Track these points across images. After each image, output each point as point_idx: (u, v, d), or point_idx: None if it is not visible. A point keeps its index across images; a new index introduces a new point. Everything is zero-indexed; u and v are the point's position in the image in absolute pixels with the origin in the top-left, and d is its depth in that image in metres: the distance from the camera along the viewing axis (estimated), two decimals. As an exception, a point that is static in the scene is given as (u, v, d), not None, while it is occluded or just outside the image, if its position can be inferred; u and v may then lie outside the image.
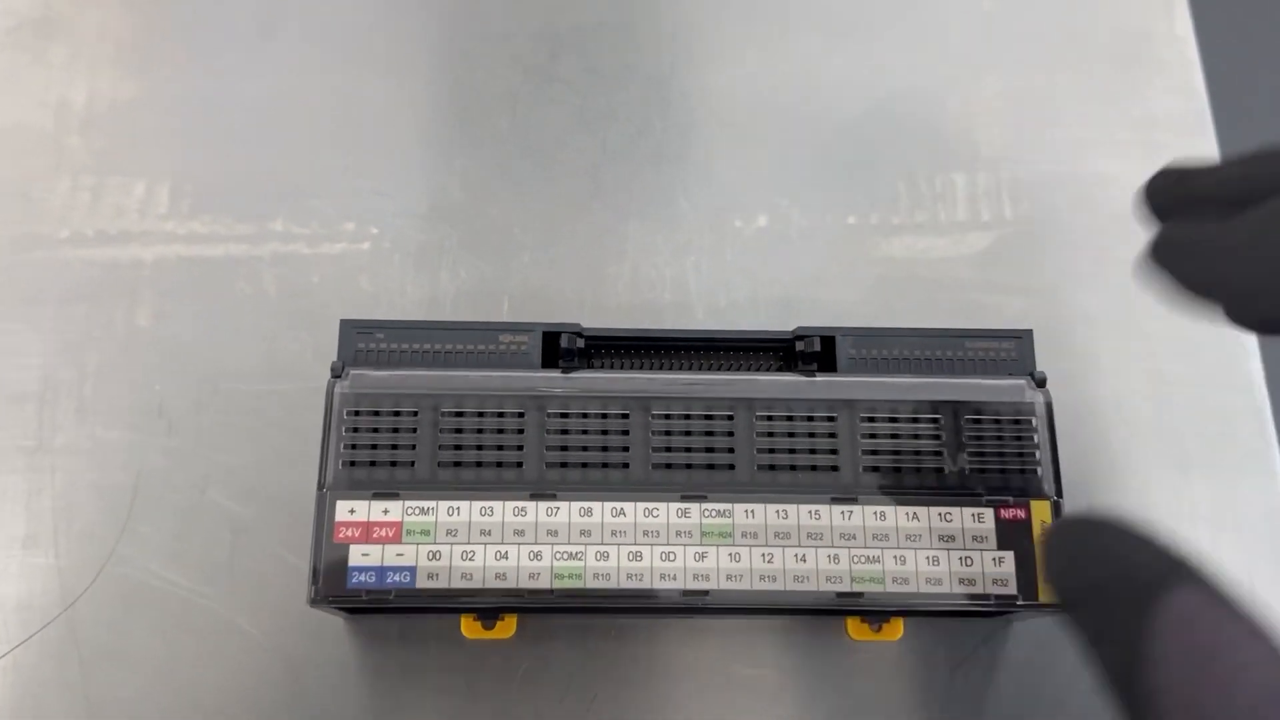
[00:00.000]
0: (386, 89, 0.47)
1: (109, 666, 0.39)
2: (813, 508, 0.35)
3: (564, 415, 0.36)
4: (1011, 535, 0.35)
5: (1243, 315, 0.24)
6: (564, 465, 0.35)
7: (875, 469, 0.35)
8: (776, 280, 0.44)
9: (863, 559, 0.34)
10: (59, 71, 0.47)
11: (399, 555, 0.34)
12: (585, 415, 0.36)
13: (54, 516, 0.40)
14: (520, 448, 0.35)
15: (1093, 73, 0.47)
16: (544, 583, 0.34)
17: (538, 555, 0.34)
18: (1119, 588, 0.22)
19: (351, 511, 0.34)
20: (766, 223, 0.45)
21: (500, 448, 0.35)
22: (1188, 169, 0.27)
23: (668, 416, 0.36)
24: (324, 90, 0.47)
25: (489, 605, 0.34)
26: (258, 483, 0.41)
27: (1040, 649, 0.39)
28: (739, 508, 0.35)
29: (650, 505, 0.35)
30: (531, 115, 0.46)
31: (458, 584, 0.34)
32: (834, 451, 0.35)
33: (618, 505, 0.35)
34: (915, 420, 0.36)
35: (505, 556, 0.34)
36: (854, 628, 0.38)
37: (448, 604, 0.34)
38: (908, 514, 0.35)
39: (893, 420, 0.36)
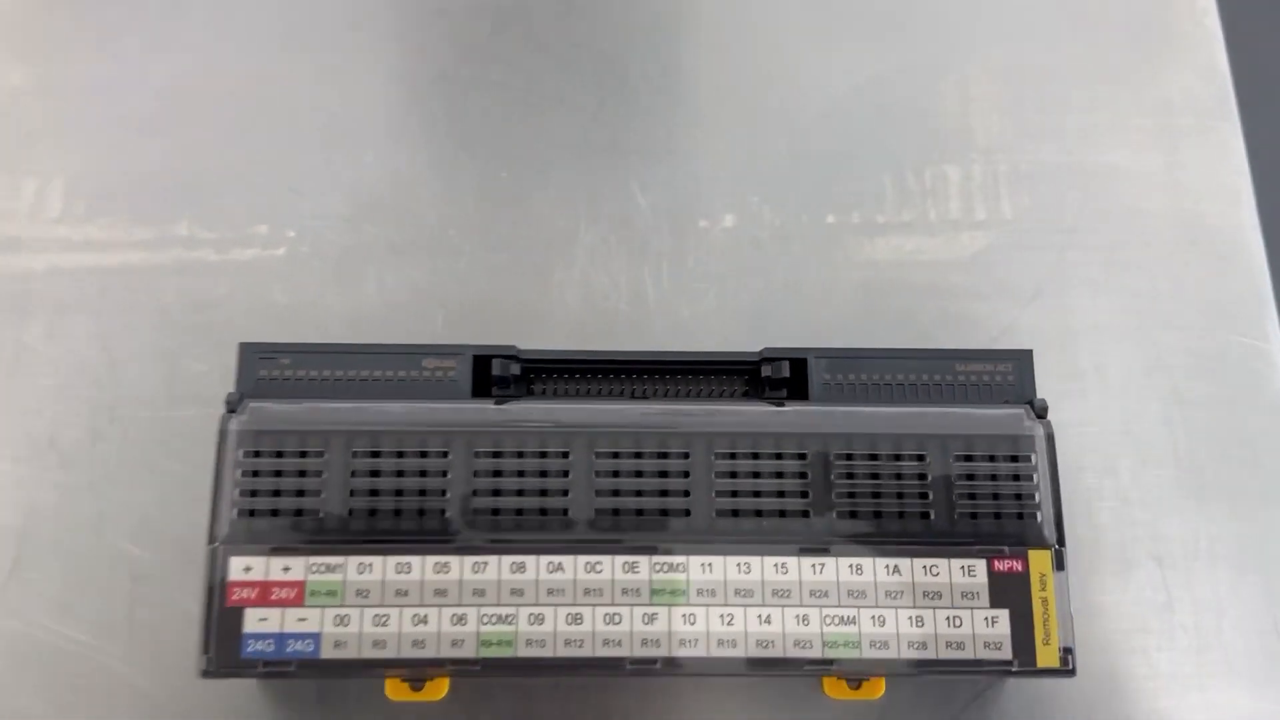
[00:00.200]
0: (305, 73, 0.43)
1: (-13, 735, 0.35)
2: (779, 560, 0.31)
3: (496, 454, 0.32)
4: (1006, 591, 0.31)
5: None
6: (495, 513, 0.32)
7: (852, 514, 0.32)
8: (746, 289, 0.40)
9: (836, 619, 0.31)
10: (-63, 54, 0.43)
11: (301, 620, 0.31)
12: (521, 454, 0.32)
13: (-74, 564, 0.37)
14: (444, 493, 0.32)
15: (1102, 50, 0.44)
16: (469, 650, 0.30)
17: (462, 619, 0.31)
18: None
19: (247, 569, 0.31)
20: (734, 223, 0.41)
21: (423, 493, 0.32)
22: None
23: (615, 454, 0.32)
24: (235, 75, 0.43)
25: (405, 677, 0.31)
26: (160, 523, 0.37)
27: (1036, 708, 0.35)
28: (694, 560, 0.31)
29: (593, 559, 0.31)
30: (469, 100, 0.43)
31: (369, 653, 0.30)
32: (804, 494, 0.32)
33: (555, 559, 0.31)
34: (898, 458, 0.32)
35: (424, 621, 0.30)
36: (830, 685, 0.34)
37: (357, 675, 0.30)
38: (888, 566, 0.31)
39: (872, 458, 0.32)
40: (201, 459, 0.37)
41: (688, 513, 0.32)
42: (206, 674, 0.30)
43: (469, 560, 0.31)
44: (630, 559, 0.31)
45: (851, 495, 0.32)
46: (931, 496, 0.32)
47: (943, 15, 0.44)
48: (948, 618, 0.31)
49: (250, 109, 0.42)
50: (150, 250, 0.40)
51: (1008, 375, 0.34)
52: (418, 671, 0.30)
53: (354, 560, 0.31)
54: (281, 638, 0.30)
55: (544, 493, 0.32)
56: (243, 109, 0.42)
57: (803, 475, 0.32)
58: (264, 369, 0.33)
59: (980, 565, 0.31)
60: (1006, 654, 0.31)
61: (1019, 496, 0.32)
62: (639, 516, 0.32)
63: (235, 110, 0.42)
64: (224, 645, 0.30)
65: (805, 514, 0.32)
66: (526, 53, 0.43)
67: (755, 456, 0.32)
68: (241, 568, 0.31)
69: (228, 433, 0.32)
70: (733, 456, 0.32)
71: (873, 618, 0.31)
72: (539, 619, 0.30)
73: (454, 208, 0.41)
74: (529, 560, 0.31)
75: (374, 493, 0.32)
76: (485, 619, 0.30)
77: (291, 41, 0.44)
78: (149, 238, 0.40)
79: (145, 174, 0.41)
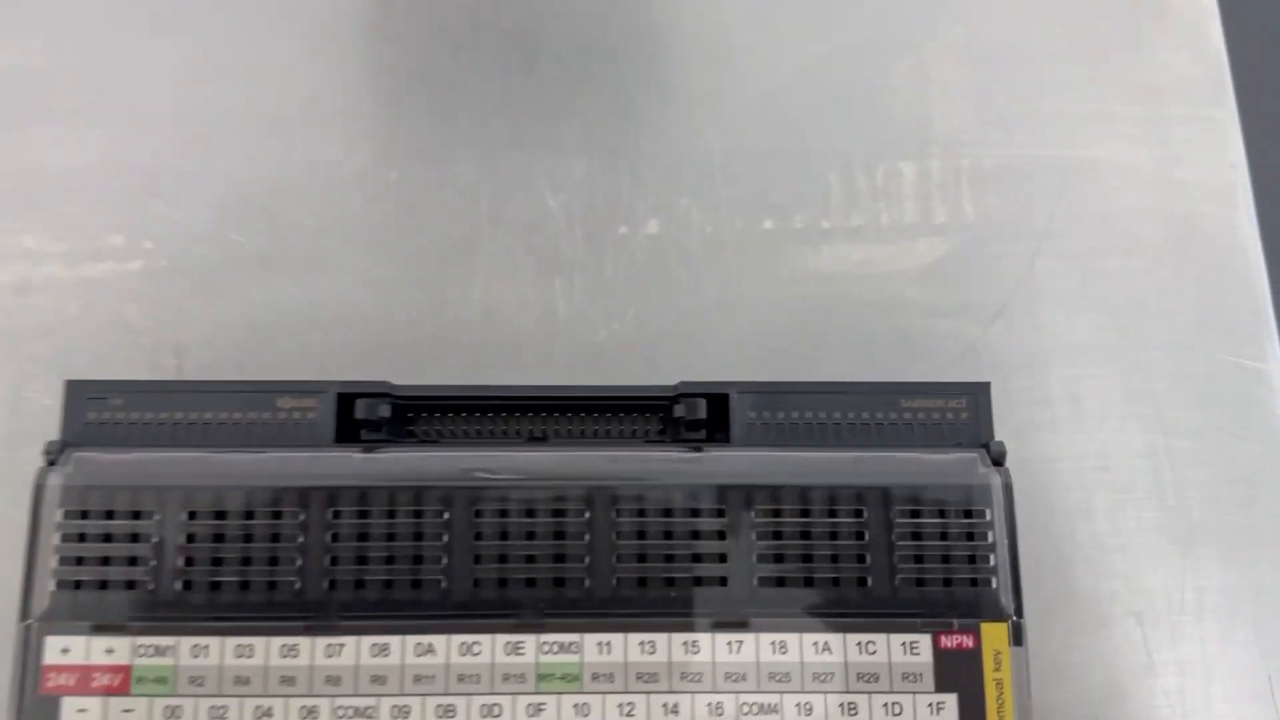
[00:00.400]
0: (167, 60, 0.39)
1: None
2: (690, 637, 0.28)
3: (361, 513, 0.28)
4: (955, 671, 0.28)
5: None
6: (358, 585, 0.28)
7: (778, 581, 0.28)
8: (672, 306, 0.37)
9: (755, 708, 0.27)
10: None
11: (126, 712, 0.27)
12: (392, 513, 0.28)
13: None
14: (297, 560, 0.28)
15: (1081, 27, 0.40)
16: (321, 751, 0.27)
17: (312, 712, 0.27)
18: None
19: (65, 651, 0.27)
20: (659, 228, 0.38)
21: (273, 561, 0.28)
22: None
23: (503, 513, 0.28)
24: (88, 61, 0.39)
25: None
26: (-4, 581, 0.33)
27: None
28: (590, 639, 0.27)
29: (469, 639, 0.27)
30: (354, 88, 0.39)
31: (203, 755, 0.27)
32: (722, 558, 0.28)
33: (424, 640, 0.27)
34: (832, 513, 0.29)
35: (268, 714, 0.27)
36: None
37: (192, 780, 0.27)
38: (817, 644, 0.28)
39: (803, 513, 0.29)
40: (42, 507, 0.33)
41: (584, 581, 0.28)
42: (13, 779, 0.27)
43: (322, 642, 0.27)
44: (514, 638, 0.27)
45: (778, 558, 0.28)
46: (870, 559, 0.28)
47: (901, -12, 0.41)
48: (886, 704, 0.27)
49: (105, 100, 0.38)
50: (-14, 264, 0.36)
51: (961, 413, 0.30)
52: (261, 775, 0.27)
53: (188, 641, 0.27)
54: (101, 735, 0.27)
55: (417, 560, 0.28)
56: (96, 100, 0.38)
57: (721, 535, 0.28)
58: (93, 411, 0.30)
59: (925, 641, 0.28)
60: (955, 747, 0.27)
61: (973, 559, 0.28)
62: (528, 587, 0.28)
63: (87, 102, 0.38)
64: (35, 742, 0.27)
65: (722, 581, 0.28)
66: (421, 32, 0.39)
67: (667, 513, 0.29)
68: (59, 649, 0.27)
69: (46, 489, 0.28)
70: (640, 514, 0.28)
71: (798, 705, 0.27)
72: (404, 712, 0.27)
73: (334, 212, 0.37)
74: (394, 641, 0.27)
75: (216, 561, 0.28)
76: (340, 712, 0.27)
77: (161, 24, 0.39)
78: (-15, 250, 0.36)
79: (-18, 176, 0.37)
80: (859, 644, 0.28)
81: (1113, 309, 0.36)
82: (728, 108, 0.39)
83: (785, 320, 0.36)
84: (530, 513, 0.28)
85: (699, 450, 0.30)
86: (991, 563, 0.28)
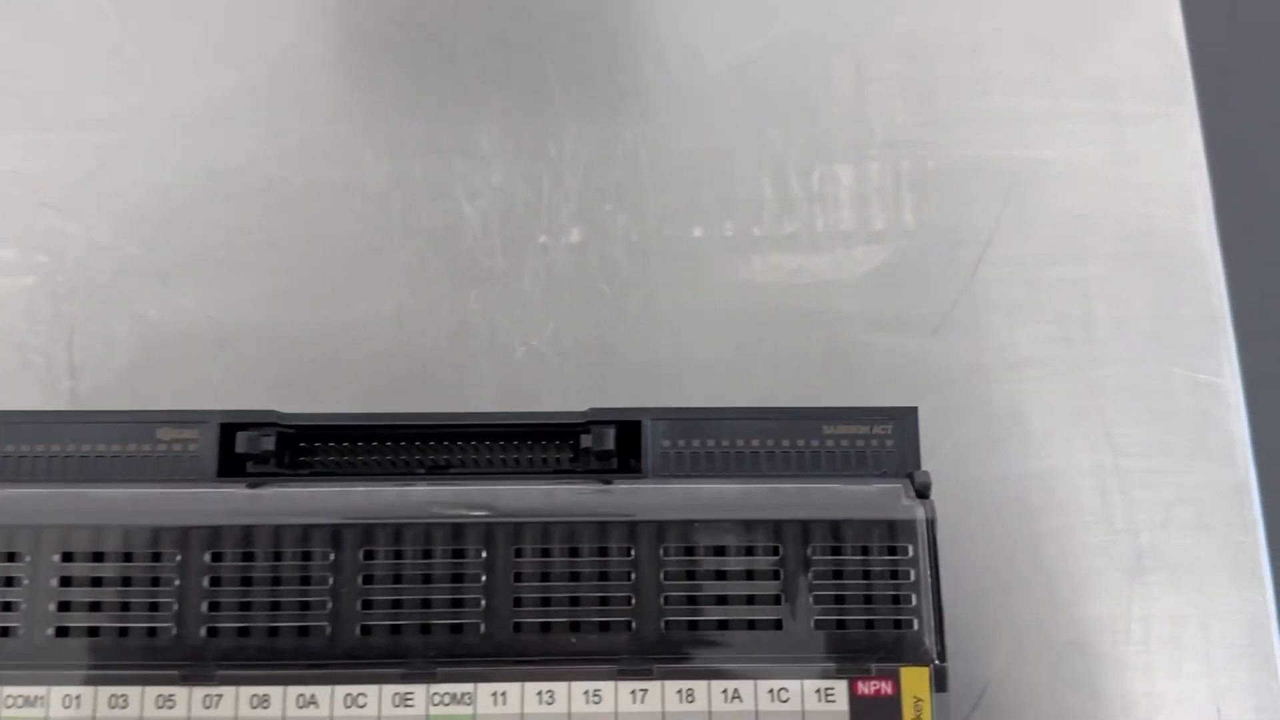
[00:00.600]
0: (52, 56, 0.38)
1: None
2: (591, 686, 0.27)
3: (245, 555, 0.27)
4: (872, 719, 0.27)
5: None
6: (242, 632, 0.27)
7: (689, 625, 0.27)
8: (594, 319, 0.36)
9: (659, 761, 0.26)
10: None
11: (-8, 769, 0.26)
12: (278, 555, 0.27)
13: None
14: (176, 603, 0.27)
15: (1030, 19, 0.39)
16: (196, 810, 0.26)
17: (188, 769, 0.26)
18: None
19: (-73, 705, 0.26)
20: (582, 237, 0.37)
21: (155, 606, 0.27)
22: None
23: (398, 554, 0.27)
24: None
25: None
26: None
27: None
28: (484, 689, 0.27)
29: (355, 690, 0.27)
30: (251, 84, 0.38)
31: (70, 816, 0.26)
32: (629, 600, 0.27)
33: (307, 691, 0.26)
34: (750, 550, 0.28)
35: (142, 772, 0.26)
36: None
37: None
38: (725, 692, 0.27)
39: (718, 552, 0.28)
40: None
41: (480, 627, 0.27)
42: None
43: (199, 692, 0.26)
44: (403, 689, 0.26)
45: (689, 600, 0.27)
46: (785, 599, 0.27)
47: (843, -25, 0.39)
48: (798, 756, 0.26)
49: (-8, 101, 0.37)
50: None
51: (886, 439, 0.29)
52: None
53: (59, 691, 0.26)
54: (-37, 794, 0.26)
55: (304, 605, 0.27)
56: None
57: (627, 576, 0.27)
58: (-39, 444, 0.28)
59: (841, 687, 0.27)
60: (870, 801, 0.26)
61: (896, 599, 0.27)
62: (422, 634, 0.27)
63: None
64: (-108, 805, 0.26)
65: (628, 625, 0.27)
66: (328, 29, 0.38)
67: (573, 552, 0.28)
68: (-79, 702, 0.26)
69: (-96, 529, 0.27)
70: (544, 553, 0.28)
71: (705, 757, 0.26)
72: (285, 768, 0.26)
73: (236, 221, 0.36)
74: (274, 692, 0.26)
75: (93, 606, 0.27)
76: (218, 769, 0.26)
77: (54, 27, 0.38)
78: None
79: None
80: (771, 691, 0.27)
81: (1060, 320, 0.35)
82: (655, 107, 0.38)
83: (714, 334, 0.35)
84: (426, 553, 0.27)
85: (608, 483, 0.29)
86: (914, 603, 0.27)
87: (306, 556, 0.27)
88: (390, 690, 0.26)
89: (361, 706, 0.26)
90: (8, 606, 0.27)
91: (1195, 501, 0.34)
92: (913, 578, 0.28)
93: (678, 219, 0.37)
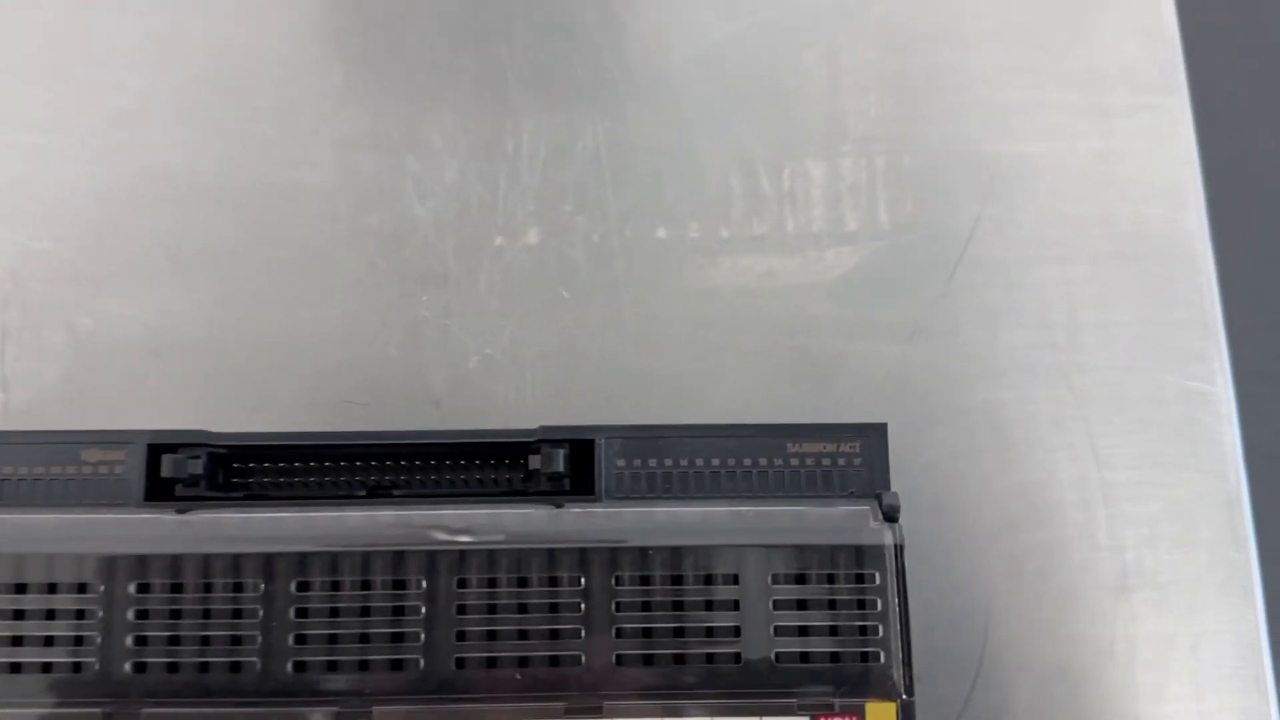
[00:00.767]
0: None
1: None
2: (539, 725, 0.26)
3: (173, 586, 0.26)
4: (836, 759, 0.26)
5: None
6: (171, 667, 0.26)
7: (646, 659, 0.26)
8: (552, 326, 0.35)
9: (610, 804, 0.25)
10: None
11: (-97, 817, 0.25)
12: (208, 586, 0.26)
13: None
14: (99, 636, 0.26)
15: (1014, 3, 0.38)
16: None
17: (108, 816, 0.25)
18: None
19: None
20: (540, 238, 0.36)
21: (79, 640, 0.26)
22: None
23: (334, 584, 0.27)
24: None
25: None
26: None
27: None
28: (423, 730, 0.26)
29: (286, 731, 0.26)
30: (192, 78, 0.36)
31: None
32: (578, 632, 0.26)
33: (235, 732, 0.25)
34: (708, 579, 0.27)
35: (60, 819, 0.25)
36: None
37: None
38: (681, 730, 0.26)
39: (674, 581, 0.27)
40: None
41: (420, 663, 0.26)
42: None
43: (122, 734, 0.25)
44: (337, 730, 0.25)
45: (644, 633, 0.26)
46: (744, 630, 0.26)
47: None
48: (757, 797, 0.26)
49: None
50: None
51: (854, 457, 0.28)
52: None
53: (-28, 734, 0.25)
54: None
55: (235, 639, 0.26)
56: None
57: (577, 606, 0.26)
58: None
59: (803, 725, 0.26)
60: (833, 845, 0.25)
61: (863, 630, 0.26)
62: (360, 671, 0.26)
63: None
64: None
65: (577, 660, 0.26)
66: (271, 19, 0.37)
67: (521, 582, 0.27)
68: None
69: None
70: (491, 583, 0.27)
71: (658, 800, 0.25)
72: (211, 814, 0.25)
73: (175, 223, 0.35)
74: (200, 733, 0.25)
75: (16, 640, 0.26)
76: (139, 816, 0.25)
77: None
78: None
79: None
80: (729, 729, 0.26)
81: (1043, 325, 0.35)
82: (617, 100, 0.37)
83: (679, 343, 0.34)
84: (364, 584, 0.26)
85: (559, 505, 0.28)
86: (880, 633, 0.26)
87: (238, 588, 0.26)
88: (324, 730, 0.26)
89: (293, 748, 0.25)
90: (-77, 641, 0.26)
91: (1185, 516, 0.33)
92: (880, 607, 0.27)
93: (641, 219, 0.36)
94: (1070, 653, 0.32)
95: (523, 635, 0.26)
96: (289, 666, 0.26)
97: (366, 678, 0.26)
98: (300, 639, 0.26)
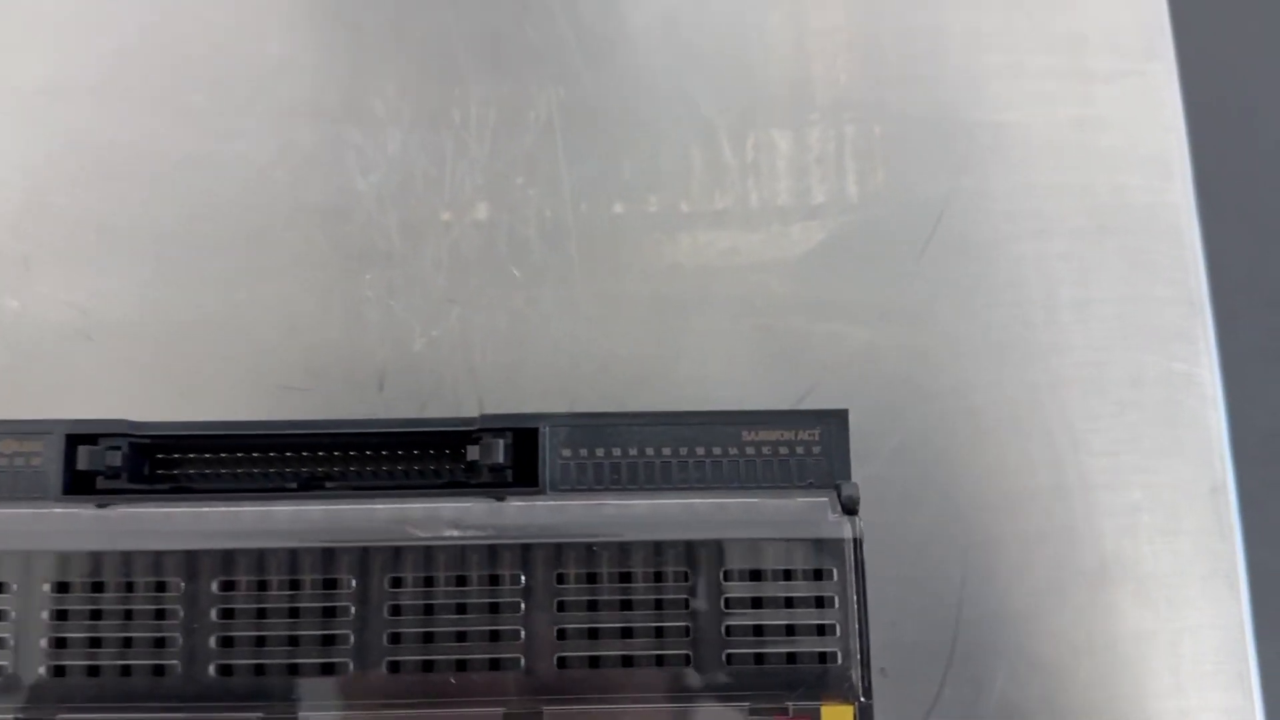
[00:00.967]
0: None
1: None
2: (475, 732, 0.25)
3: (93, 585, 0.26)
4: (790, 765, 0.25)
5: None
6: (91, 671, 0.25)
7: (591, 661, 0.26)
8: (502, 307, 0.34)
9: (544, 814, 0.25)
10: None
11: None
12: (129, 585, 0.26)
13: None
14: (13, 638, 0.25)
15: None
16: None
17: (19, 829, 0.24)
18: None
19: None
20: (489, 214, 0.35)
21: (-5, 641, 0.26)
22: None
23: (261, 584, 0.26)
24: None
25: None
26: None
27: None
28: (352, 736, 0.25)
29: (208, 737, 0.25)
30: (123, 46, 0.35)
31: None
32: (518, 634, 0.25)
33: (152, 739, 0.25)
34: (658, 576, 0.26)
35: (-28, 830, 0.24)
36: None
37: None
38: (627, 736, 0.25)
39: (623, 579, 0.26)
40: None
41: (349, 666, 0.25)
42: None
43: (33, 742, 0.25)
44: (262, 736, 0.25)
45: (589, 634, 0.26)
46: (693, 630, 0.25)
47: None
48: (707, 806, 0.25)
49: None
50: None
51: (813, 446, 0.27)
52: None
53: (-125, 744, 0.25)
54: None
55: (159, 643, 0.25)
56: None
57: (517, 607, 0.25)
58: None
59: (755, 729, 0.25)
60: None
61: (821, 629, 0.26)
62: (287, 675, 0.25)
63: None
64: None
65: (518, 662, 0.25)
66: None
67: (460, 581, 0.26)
68: None
69: None
70: (428, 582, 0.26)
71: (602, 810, 0.25)
72: (126, 826, 0.24)
73: (107, 199, 0.34)
74: (115, 738, 0.25)
75: (-78, 642, 0.25)
76: (52, 828, 0.24)
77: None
78: None
79: None
80: (677, 734, 0.25)
81: (1019, 303, 0.34)
82: (570, 66, 0.36)
83: (635, 323, 0.34)
84: (293, 583, 0.26)
85: (501, 499, 0.27)
86: (837, 632, 0.26)
87: (160, 586, 0.26)
88: (248, 738, 0.25)
89: (216, 756, 0.25)
90: None
91: (1166, 504, 0.33)
92: (838, 604, 0.26)
93: (596, 193, 0.35)
94: (1046, 649, 0.32)
95: (460, 637, 0.26)
96: (212, 670, 0.25)
97: (294, 682, 0.25)
98: (225, 641, 0.25)
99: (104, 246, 0.34)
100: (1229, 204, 0.35)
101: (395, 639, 0.25)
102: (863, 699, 0.25)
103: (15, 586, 0.25)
